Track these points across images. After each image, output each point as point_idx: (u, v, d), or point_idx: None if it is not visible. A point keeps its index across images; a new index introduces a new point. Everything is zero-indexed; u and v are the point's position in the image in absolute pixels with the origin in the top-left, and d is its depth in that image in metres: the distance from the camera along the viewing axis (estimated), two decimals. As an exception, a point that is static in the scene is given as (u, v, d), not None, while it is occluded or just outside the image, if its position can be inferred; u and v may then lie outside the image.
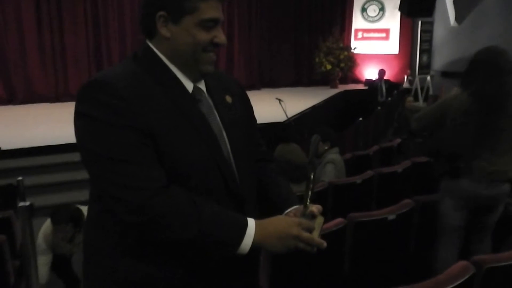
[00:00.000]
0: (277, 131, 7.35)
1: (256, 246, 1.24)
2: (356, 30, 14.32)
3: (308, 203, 1.33)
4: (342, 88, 12.97)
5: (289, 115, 7.66)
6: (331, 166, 4.07)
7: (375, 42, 14.08)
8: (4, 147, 5.89)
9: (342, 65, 13.10)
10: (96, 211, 1.34)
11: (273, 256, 2.22)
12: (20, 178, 4.00)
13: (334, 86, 13.09)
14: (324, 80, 13.29)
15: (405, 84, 13.06)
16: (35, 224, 2.61)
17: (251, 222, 1.25)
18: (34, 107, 9.73)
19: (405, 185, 3.84)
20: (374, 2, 14.07)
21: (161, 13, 1.27)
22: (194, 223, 1.18)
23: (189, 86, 1.33)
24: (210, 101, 1.37)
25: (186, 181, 1.24)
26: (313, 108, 9.73)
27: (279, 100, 7.27)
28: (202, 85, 1.38)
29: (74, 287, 3.43)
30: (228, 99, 1.41)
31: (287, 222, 1.27)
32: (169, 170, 1.22)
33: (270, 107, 8.01)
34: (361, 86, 13.36)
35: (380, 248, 2.58)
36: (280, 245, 1.25)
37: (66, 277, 3.43)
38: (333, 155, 4.22)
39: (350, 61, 13.33)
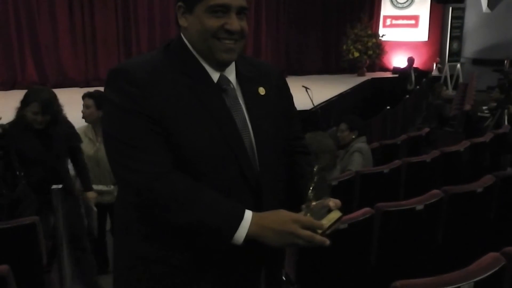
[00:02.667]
0: (304, 119, 7.33)
1: (251, 238, 1.22)
2: (385, 17, 14.10)
3: (312, 197, 1.28)
4: (369, 76, 12.82)
5: (316, 103, 7.63)
6: (358, 155, 4.04)
7: (404, 29, 13.85)
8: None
9: (370, 52, 12.94)
10: (120, 192, 1.44)
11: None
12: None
13: (361, 74, 12.96)
14: (352, 68, 13.15)
15: (434, 72, 12.85)
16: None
17: (248, 214, 1.23)
18: (66, 91, 9.90)
19: (433, 175, 3.79)
20: (404, -12, 13.83)
21: (179, 3, 1.32)
22: (189, 209, 1.21)
23: (215, 75, 1.34)
24: (237, 91, 1.37)
25: (198, 168, 1.26)
26: (340, 96, 9.67)
27: (306, 88, 7.25)
28: (231, 75, 1.38)
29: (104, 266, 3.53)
30: (261, 90, 1.40)
31: (284, 217, 1.23)
32: (180, 157, 1.25)
33: (297, 94, 7.92)
34: (389, 74, 13.19)
35: (407, 239, 2.56)
36: (277, 239, 1.22)
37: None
38: (361, 144, 4.19)
39: (378, 49, 13.15)
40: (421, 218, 2.58)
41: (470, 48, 12.65)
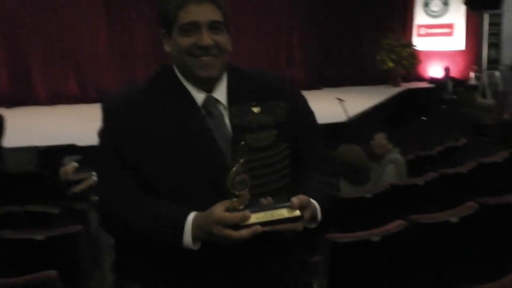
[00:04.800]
0: (338, 132, 7.33)
1: (202, 240, 1.23)
2: (419, 26, 13.94)
3: (236, 192, 1.19)
4: (404, 86, 12.68)
5: (350, 115, 7.61)
6: (393, 167, 4.04)
7: (439, 38, 13.64)
8: (78, 144, 6.24)
9: (404, 62, 12.81)
10: None
11: (331, 257, 2.26)
12: (94, 173, 4.24)
13: (396, 84, 12.82)
14: (386, 78, 13.03)
15: (472, 81, 12.59)
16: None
17: (190, 217, 1.23)
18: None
19: (470, 187, 3.75)
20: (438, -4, 13.65)
21: (162, 30, 1.36)
22: (138, 226, 1.27)
23: (199, 96, 1.34)
24: (224, 111, 1.34)
25: (171, 195, 1.28)
26: (375, 107, 9.61)
27: (340, 99, 7.26)
28: (221, 94, 1.36)
29: None
30: (256, 108, 1.35)
31: (209, 217, 1.20)
32: (148, 184, 1.30)
33: (331, 107, 7.99)
34: (424, 84, 13.01)
35: (442, 252, 2.55)
36: (213, 240, 1.21)
37: None
38: (395, 155, 4.19)
39: (412, 58, 13.01)
40: (456, 231, 2.57)
41: (508, 55, 12.35)
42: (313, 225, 1.33)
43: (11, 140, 4.86)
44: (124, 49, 10.73)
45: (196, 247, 1.24)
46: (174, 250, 1.25)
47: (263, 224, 1.19)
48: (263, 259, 1.33)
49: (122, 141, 1.30)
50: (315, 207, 1.31)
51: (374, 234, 2.35)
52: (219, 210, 1.19)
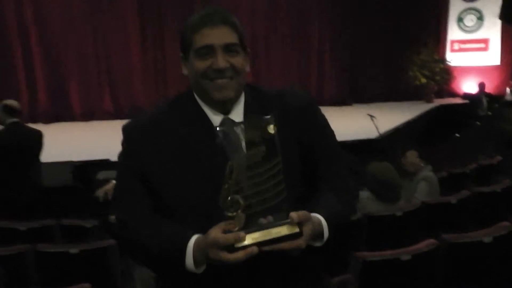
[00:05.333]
0: (369, 148, 7.27)
1: (205, 262, 1.22)
2: (452, 42, 13.77)
3: (229, 213, 1.17)
4: (437, 102, 12.50)
5: (382, 131, 7.55)
6: (425, 184, 3.99)
7: (473, 54, 13.44)
8: (113, 159, 6.38)
9: (437, 78, 12.65)
10: None
11: (360, 275, 2.25)
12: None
13: (429, 100, 12.66)
14: (419, 94, 12.88)
15: (508, 97, 12.32)
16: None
17: (191, 240, 1.23)
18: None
19: (504, 206, 3.66)
20: (472, 11, 13.46)
21: (181, 54, 1.39)
22: (147, 249, 1.30)
23: (216, 119, 1.35)
24: (241, 132, 1.29)
25: (186, 219, 1.29)
26: (407, 123, 9.50)
27: (371, 116, 7.21)
28: (238, 115, 1.36)
29: None
30: (271, 128, 1.27)
31: (206, 240, 1.19)
32: (165, 206, 1.33)
33: (362, 123, 7.96)
34: (458, 100, 12.80)
35: (474, 272, 2.50)
36: (211, 262, 1.20)
37: None
38: (427, 172, 4.13)
39: (446, 74, 12.83)
40: (490, 251, 2.51)
41: (546, 70, 12.07)
42: (318, 243, 1.28)
43: (48, 155, 5.01)
44: (157, 67, 10.96)
45: (199, 271, 1.23)
46: (183, 272, 1.25)
47: (260, 244, 1.15)
48: (274, 279, 1.30)
49: (139, 164, 1.34)
50: (319, 223, 1.26)
51: (405, 253, 2.33)
52: (215, 232, 1.17)
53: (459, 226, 3.27)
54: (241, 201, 1.17)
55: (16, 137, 4.40)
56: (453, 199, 3.40)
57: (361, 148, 7.34)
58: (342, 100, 12.56)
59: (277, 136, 1.22)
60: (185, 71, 1.40)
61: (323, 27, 12.51)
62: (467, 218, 3.50)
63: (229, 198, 1.16)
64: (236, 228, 1.16)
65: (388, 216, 3.23)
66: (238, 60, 1.33)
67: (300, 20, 12.19)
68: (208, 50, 1.30)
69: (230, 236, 1.14)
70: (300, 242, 1.17)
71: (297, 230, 1.16)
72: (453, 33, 13.75)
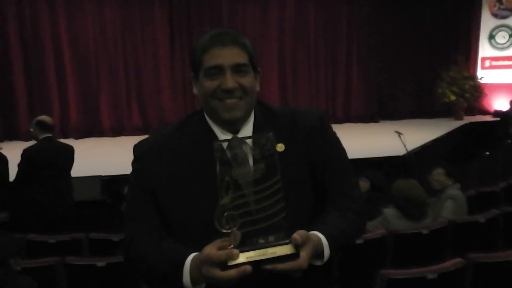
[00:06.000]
0: (396, 165, 7.20)
1: (203, 281, 1.20)
2: (483, 59, 13.57)
3: (223, 230, 1.13)
4: (467, 119, 12.30)
5: (409, 149, 7.47)
6: (451, 203, 3.93)
7: (505, 71, 13.20)
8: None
9: (467, 95, 12.45)
10: None
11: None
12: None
13: (458, 118, 12.46)
14: (448, 112, 12.70)
15: (541, 115, 12.05)
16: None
17: (188, 259, 1.22)
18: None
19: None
20: (504, 28, 13.26)
21: (192, 73, 1.40)
22: (148, 266, 1.32)
23: (226, 138, 1.31)
24: (249, 152, 1.24)
25: (192, 238, 1.27)
26: (435, 141, 9.37)
27: (398, 133, 7.15)
28: (246, 134, 1.34)
29: None
30: (280, 147, 1.31)
31: (199, 257, 1.17)
32: (170, 225, 1.35)
33: (389, 140, 7.88)
34: (489, 118, 12.57)
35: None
36: (207, 281, 1.17)
37: None
38: (454, 191, 4.07)
39: (476, 91, 12.62)
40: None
41: None
42: (318, 262, 1.24)
43: (78, 169, 5.12)
44: (185, 84, 11.11)
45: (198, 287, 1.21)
46: None
47: (254, 263, 1.11)
48: None
49: (148, 182, 1.37)
50: (319, 241, 1.23)
51: (431, 271, 2.30)
52: (209, 248, 1.14)
53: (487, 245, 3.21)
54: (237, 219, 1.14)
55: (48, 151, 4.52)
56: (481, 218, 3.34)
57: (387, 165, 7.27)
58: (369, 117, 12.47)
59: (277, 154, 1.21)
60: (195, 91, 1.41)
61: (350, 44, 12.49)
62: (496, 238, 3.43)
63: (224, 214, 1.13)
64: (231, 246, 1.13)
65: (414, 233, 3.20)
66: (247, 80, 1.34)
67: (328, 36, 12.22)
68: (217, 70, 1.31)
69: (222, 253, 1.11)
70: (301, 263, 1.13)
71: (293, 251, 1.13)
72: (484, 50, 13.56)
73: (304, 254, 1.14)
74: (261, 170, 1.19)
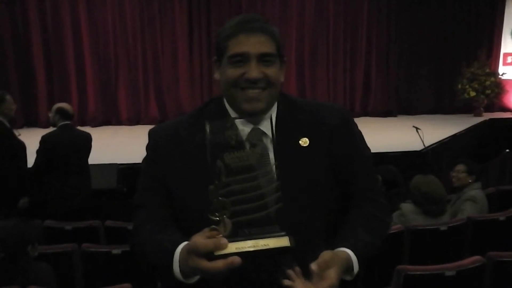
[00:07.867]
0: (414, 161, 7.12)
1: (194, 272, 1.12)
2: (505, 55, 13.32)
3: (213, 217, 1.06)
4: (487, 116, 12.11)
5: (427, 144, 7.38)
6: (471, 204, 3.83)
7: (527, 67, 12.96)
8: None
9: (488, 92, 12.25)
10: None
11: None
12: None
13: (478, 114, 12.27)
14: (467, 108, 12.51)
15: None
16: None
17: (179, 247, 1.14)
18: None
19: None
20: (527, 24, 13.03)
21: (215, 57, 1.34)
22: (146, 253, 1.27)
23: (246, 129, 1.26)
24: (270, 144, 1.18)
25: (191, 227, 1.16)
26: (454, 137, 9.24)
27: (416, 128, 7.06)
28: (268, 126, 1.25)
29: None
30: (304, 141, 1.29)
31: (186, 247, 1.10)
32: (183, 217, 1.30)
33: (407, 135, 7.80)
34: (509, 115, 12.36)
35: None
36: (194, 271, 1.10)
37: None
38: (475, 191, 3.98)
39: (497, 88, 12.41)
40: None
41: None
42: (348, 277, 1.22)
43: (95, 157, 5.16)
44: (203, 74, 11.13)
45: (188, 281, 1.13)
46: (181, 284, 1.15)
47: (244, 254, 1.02)
48: None
49: (160, 173, 1.33)
50: (347, 258, 1.20)
51: (449, 269, 2.27)
52: (196, 237, 1.07)
53: (507, 243, 3.15)
54: (228, 206, 1.06)
55: (67, 139, 4.55)
56: (501, 216, 3.29)
57: (405, 160, 7.19)
58: (387, 111, 12.36)
59: (276, 139, 1.14)
60: (217, 76, 1.35)
61: (370, 38, 12.36)
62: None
63: (215, 200, 1.06)
64: (220, 235, 1.05)
65: (432, 230, 3.16)
66: (273, 71, 1.27)
67: (348, 30, 12.12)
68: (242, 58, 1.25)
69: (210, 241, 1.03)
70: (331, 283, 1.11)
71: (287, 244, 1.06)
72: (507, 46, 13.32)
73: (333, 273, 1.12)
74: (257, 154, 1.12)
